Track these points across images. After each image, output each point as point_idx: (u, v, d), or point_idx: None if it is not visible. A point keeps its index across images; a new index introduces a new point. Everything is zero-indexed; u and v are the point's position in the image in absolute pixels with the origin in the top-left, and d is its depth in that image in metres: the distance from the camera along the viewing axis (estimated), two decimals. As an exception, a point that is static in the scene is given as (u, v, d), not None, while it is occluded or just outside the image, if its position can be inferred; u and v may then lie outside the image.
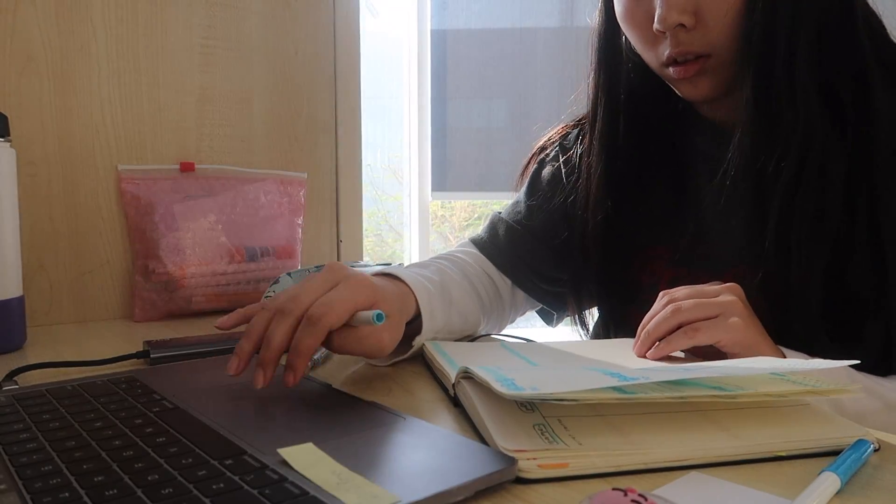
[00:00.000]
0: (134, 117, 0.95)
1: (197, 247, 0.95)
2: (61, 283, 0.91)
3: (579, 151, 0.81)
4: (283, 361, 0.51)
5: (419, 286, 0.65)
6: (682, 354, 0.61)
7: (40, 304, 0.89)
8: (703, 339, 0.56)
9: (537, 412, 0.44)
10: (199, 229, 0.95)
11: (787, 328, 0.62)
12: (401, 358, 0.64)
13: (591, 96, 0.78)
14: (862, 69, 0.62)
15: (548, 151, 0.87)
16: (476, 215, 2.76)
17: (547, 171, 0.85)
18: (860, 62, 0.62)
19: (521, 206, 0.85)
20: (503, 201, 0.91)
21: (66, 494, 0.35)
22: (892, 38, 0.66)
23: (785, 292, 0.63)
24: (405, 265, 0.75)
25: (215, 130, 1.02)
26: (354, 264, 0.92)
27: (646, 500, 0.31)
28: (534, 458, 0.38)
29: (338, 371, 0.64)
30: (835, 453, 0.40)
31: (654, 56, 0.68)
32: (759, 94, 0.63)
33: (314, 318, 0.50)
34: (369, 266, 0.92)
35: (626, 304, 0.76)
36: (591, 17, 0.77)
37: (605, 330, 0.82)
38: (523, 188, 0.87)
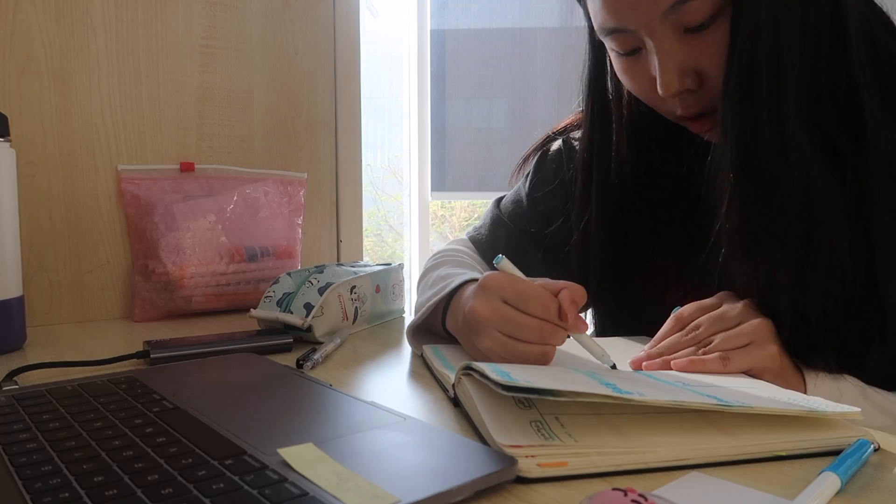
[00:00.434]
0: (134, 117, 0.95)
1: (197, 247, 0.95)
2: (61, 283, 0.91)
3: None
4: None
5: None
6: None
7: (40, 304, 0.90)
8: (734, 368, 0.55)
9: (534, 409, 0.44)
10: (198, 229, 0.95)
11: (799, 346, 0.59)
12: None
13: (586, 119, 0.74)
14: (854, 88, 0.58)
15: (553, 144, 0.85)
16: (476, 215, 2.76)
17: (550, 166, 0.83)
18: (853, 84, 0.58)
19: (524, 205, 0.84)
20: (503, 201, 0.90)
21: (66, 494, 0.35)
22: None
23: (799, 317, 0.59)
24: (404, 264, 0.74)
25: (215, 130, 1.02)
26: (354, 264, 0.92)
27: (646, 500, 0.31)
28: (532, 456, 0.38)
29: (338, 371, 0.64)
30: (835, 453, 0.40)
31: (665, 111, 0.65)
32: (744, 153, 0.57)
33: None
34: (369, 266, 0.92)
35: (626, 308, 0.76)
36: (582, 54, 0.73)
37: (602, 334, 0.82)
38: (526, 182, 0.85)
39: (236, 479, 0.36)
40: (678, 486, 0.38)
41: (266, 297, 0.79)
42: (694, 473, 0.39)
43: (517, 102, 2.36)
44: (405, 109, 2.42)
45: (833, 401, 0.47)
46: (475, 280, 0.62)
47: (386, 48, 2.48)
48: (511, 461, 0.38)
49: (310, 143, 1.12)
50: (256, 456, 0.39)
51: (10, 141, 0.74)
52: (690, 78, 0.60)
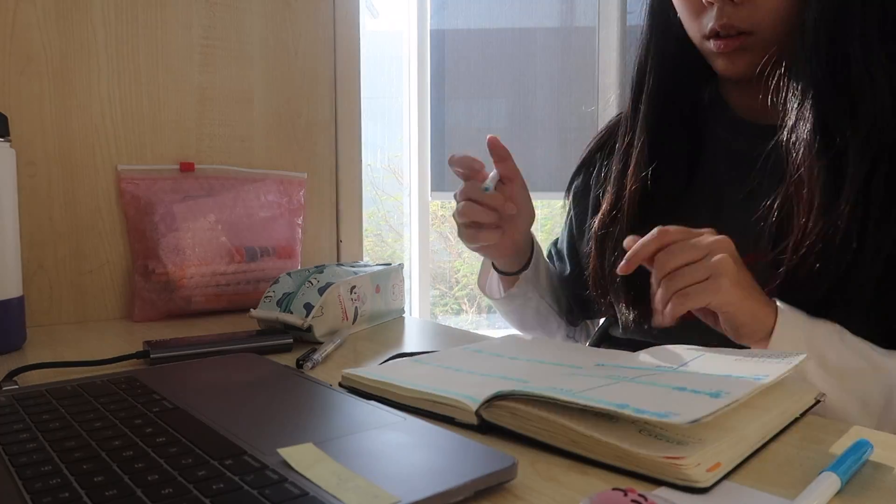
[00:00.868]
0: (134, 117, 0.95)
1: (197, 247, 0.95)
2: (61, 283, 0.91)
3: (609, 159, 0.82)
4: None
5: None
6: None
7: (40, 304, 0.89)
8: (693, 304, 0.57)
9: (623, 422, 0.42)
10: (198, 229, 0.95)
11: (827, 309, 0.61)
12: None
13: (644, 32, 0.77)
14: None
15: (586, 165, 0.90)
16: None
17: (580, 182, 0.90)
18: None
19: (565, 230, 0.93)
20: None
21: (66, 494, 0.35)
22: None
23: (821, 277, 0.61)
24: (403, 264, 0.76)
25: (215, 130, 1.02)
26: (354, 264, 0.92)
27: (646, 500, 0.31)
28: (698, 464, 0.37)
29: (338, 371, 0.64)
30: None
31: (698, 27, 0.68)
32: (827, 70, 0.61)
33: None
34: (369, 266, 0.92)
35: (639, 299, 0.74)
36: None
37: (605, 337, 0.83)
38: (569, 206, 0.92)
39: (236, 479, 0.36)
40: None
41: (266, 297, 0.79)
42: (694, 473, 0.39)
43: (517, 102, 2.36)
44: (405, 109, 2.42)
45: (804, 340, 0.53)
46: None
47: (386, 48, 2.49)
48: (511, 461, 0.38)
49: (310, 143, 1.12)
50: (256, 456, 0.39)
51: (10, 141, 0.74)
52: None
